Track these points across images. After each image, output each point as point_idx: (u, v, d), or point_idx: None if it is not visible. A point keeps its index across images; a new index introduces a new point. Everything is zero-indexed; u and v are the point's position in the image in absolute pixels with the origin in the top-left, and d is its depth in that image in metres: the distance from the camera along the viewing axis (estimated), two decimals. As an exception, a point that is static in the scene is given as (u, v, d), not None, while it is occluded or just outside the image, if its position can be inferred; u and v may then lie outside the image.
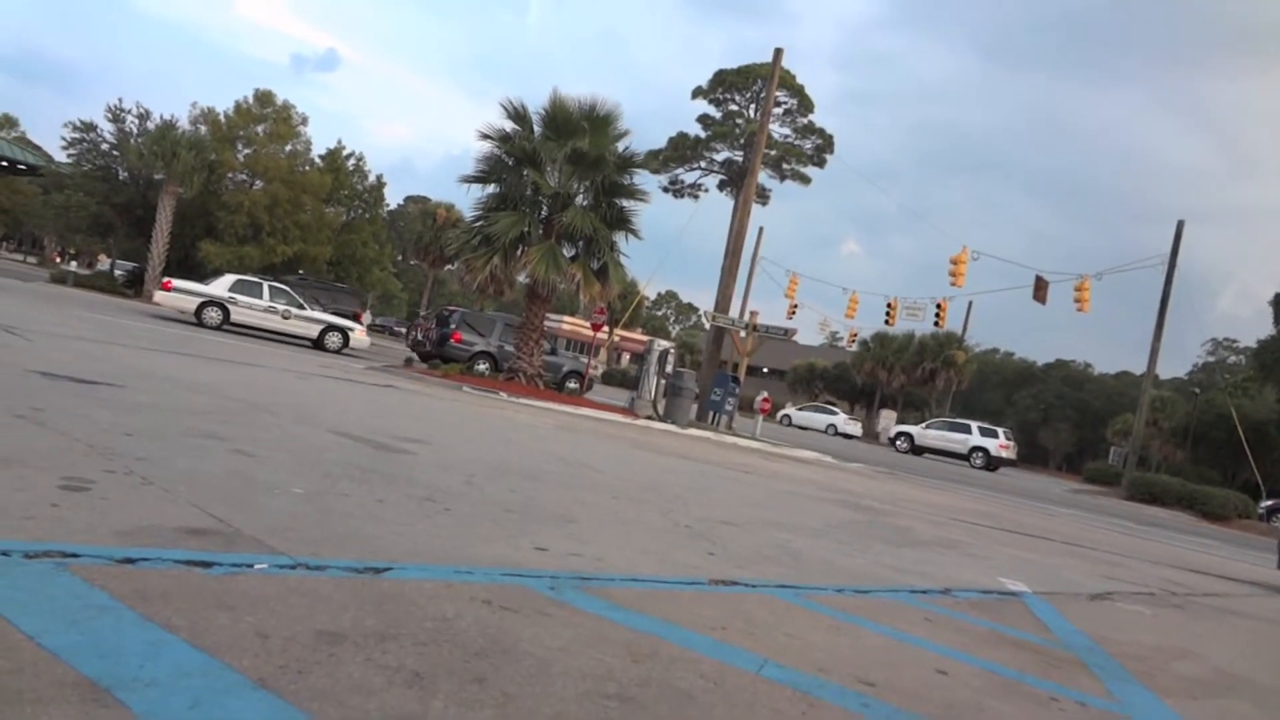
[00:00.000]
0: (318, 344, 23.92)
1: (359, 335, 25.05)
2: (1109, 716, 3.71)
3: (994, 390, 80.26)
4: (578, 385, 25.63)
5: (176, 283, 23.57)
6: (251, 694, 2.29)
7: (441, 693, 2.53)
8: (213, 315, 22.81)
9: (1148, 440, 51.02)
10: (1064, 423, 79.54)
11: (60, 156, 42.94)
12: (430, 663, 2.74)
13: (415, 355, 25.82)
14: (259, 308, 23.48)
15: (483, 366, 23.51)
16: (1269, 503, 33.84)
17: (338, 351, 23.84)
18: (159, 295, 23.42)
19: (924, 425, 41.95)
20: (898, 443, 40.97)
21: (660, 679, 3.03)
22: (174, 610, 2.74)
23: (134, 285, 38.10)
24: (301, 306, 24.15)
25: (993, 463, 37.76)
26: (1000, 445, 38.22)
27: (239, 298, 23.17)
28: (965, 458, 38.10)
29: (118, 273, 43.66)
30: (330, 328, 24.42)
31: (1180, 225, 34.66)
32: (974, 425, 39.89)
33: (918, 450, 39.70)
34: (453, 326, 24.77)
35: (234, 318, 23.07)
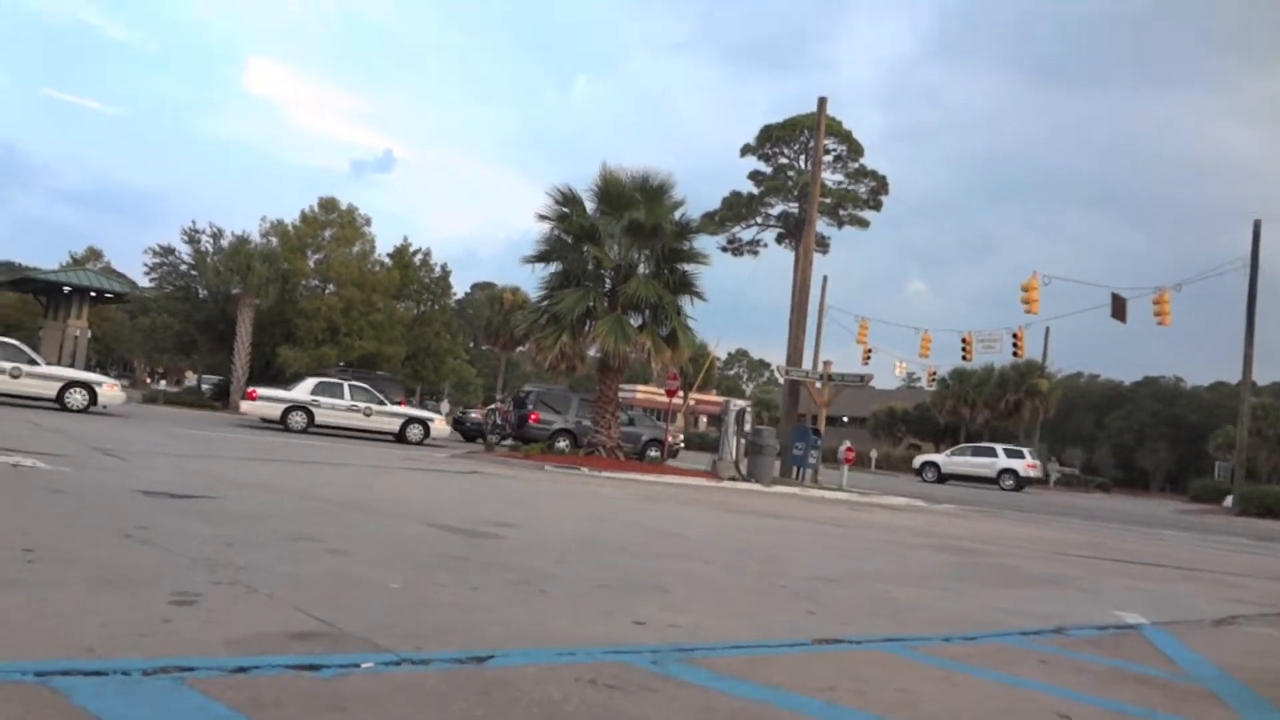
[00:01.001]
0: (399, 437, 24.37)
1: (439, 425, 25.44)
2: (1249, 749, 3.53)
3: (1082, 415, 77.90)
4: (659, 453, 25.64)
5: (261, 391, 24.32)
6: (371, 794, 2.31)
7: (556, 778, 2.52)
8: (298, 419, 23.45)
9: (1253, 451, 48.88)
10: (1160, 441, 76.71)
11: (143, 281, 44.99)
12: (541, 748, 2.74)
13: (492, 439, 26.17)
14: (341, 408, 24.09)
15: (563, 444, 23.74)
16: None
17: (419, 443, 24.24)
18: (245, 404, 24.17)
19: (949, 453, 42.31)
20: (924, 473, 40.81)
21: (773, 747, 2.97)
22: (288, 716, 2.79)
23: (221, 397, 39.39)
24: (381, 403, 24.74)
25: (1021, 483, 38.73)
26: (1028, 465, 39.65)
27: (321, 400, 23.80)
28: (994, 481, 38.79)
29: (204, 386, 45.25)
30: (411, 420, 24.92)
31: (1258, 224, 33.65)
32: (999, 448, 40.96)
33: (943, 478, 39.83)
34: (530, 407, 25.15)
35: (318, 419, 23.68)
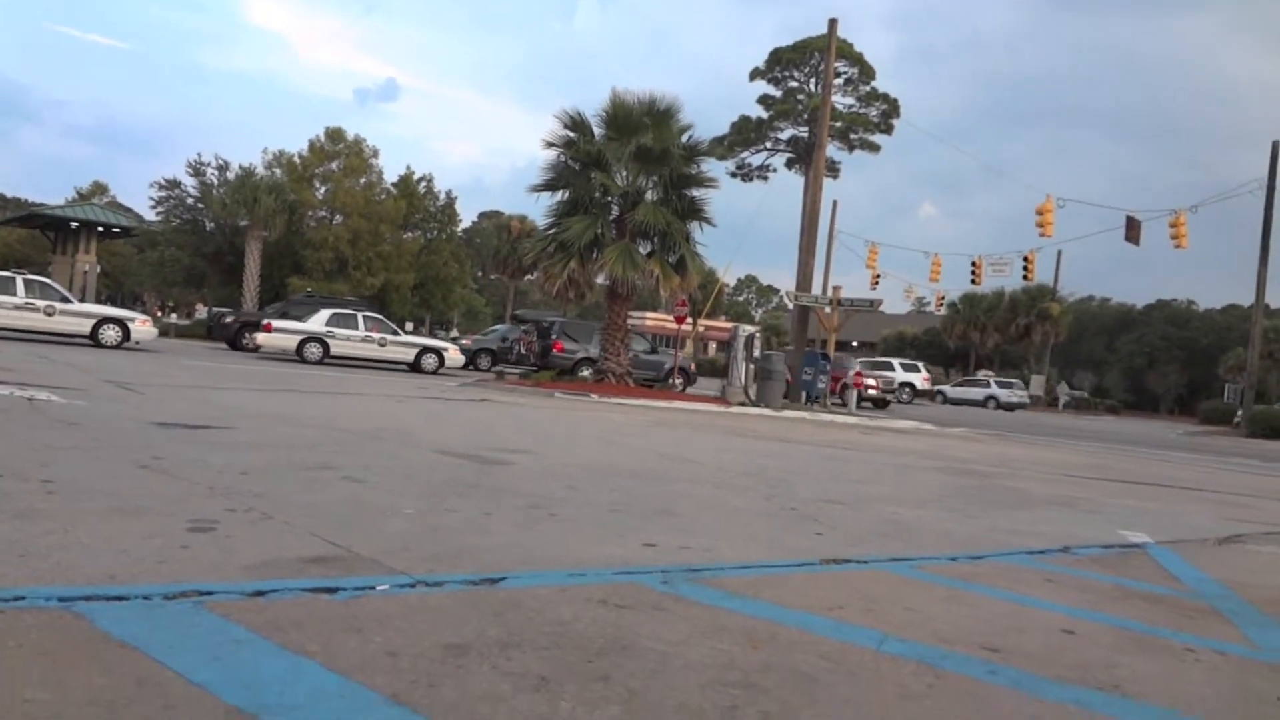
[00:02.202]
0: (414, 367, 24.56)
1: (453, 354, 25.60)
2: (1251, 664, 3.58)
3: (1094, 339, 77.56)
4: (683, 381, 25.86)
5: (277, 323, 24.49)
6: (388, 710, 2.37)
7: (568, 694, 2.58)
8: (313, 351, 23.66)
9: (1264, 373, 48.79)
10: (1171, 364, 76.41)
11: (149, 215, 44.88)
12: (554, 666, 2.80)
13: (508, 368, 26.37)
14: (356, 339, 24.30)
15: (586, 372, 24.10)
16: None
17: (434, 372, 24.41)
18: (261, 337, 24.35)
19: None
20: (935, 398, 47.29)
21: (782, 663, 3.04)
22: (306, 637, 2.86)
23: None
24: (395, 333, 24.94)
25: (919, 394, 44.78)
26: (923, 378, 45.95)
27: (336, 331, 24.01)
28: (982, 405, 45.50)
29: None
30: (425, 350, 25.11)
31: (1276, 145, 33.08)
32: (895, 362, 46.50)
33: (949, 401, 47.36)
34: (554, 337, 25.39)
35: (334, 351, 23.90)
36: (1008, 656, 3.35)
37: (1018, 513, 7.41)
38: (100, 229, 43.04)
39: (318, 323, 24.11)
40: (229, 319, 31.87)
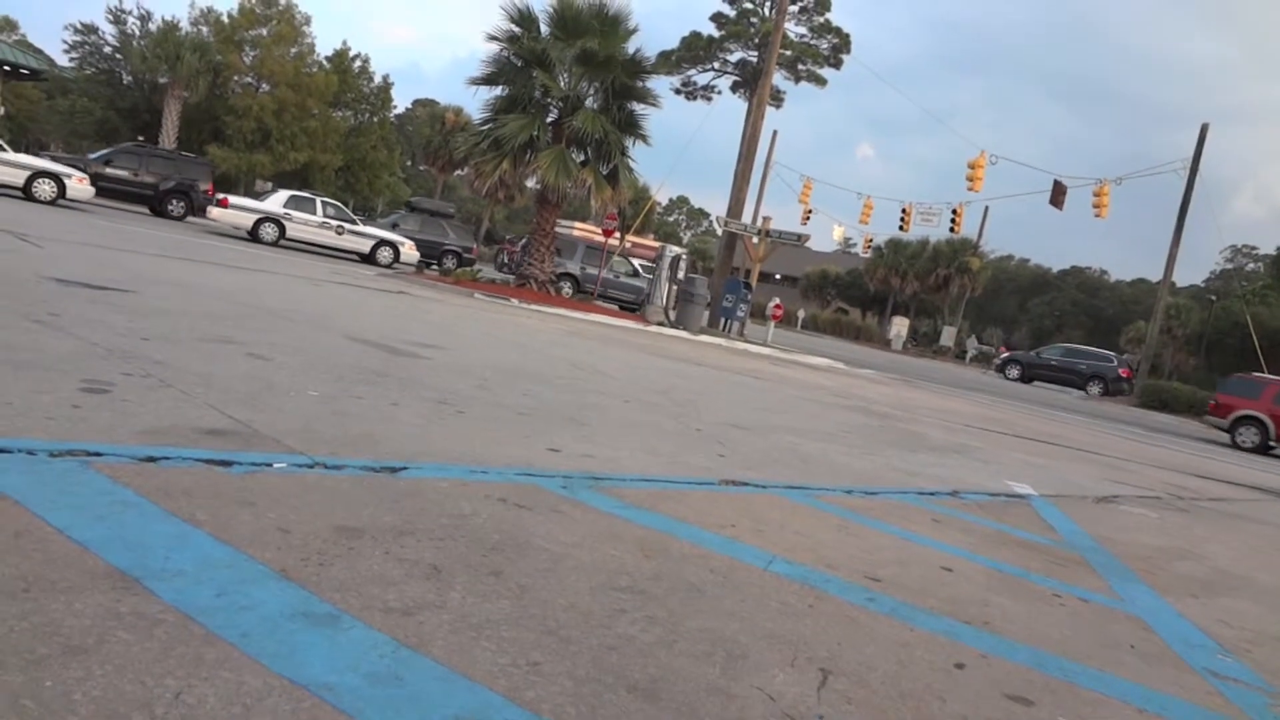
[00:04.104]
0: (369, 259, 24.13)
1: (408, 250, 25.14)
2: (1110, 612, 3.80)
3: (1008, 297, 79.86)
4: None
5: (233, 199, 23.78)
6: (275, 584, 2.36)
7: (459, 584, 2.60)
8: (269, 231, 23.05)
9: (1161, 348, 50.79)
10: (1077, 330, 79.14)
11: (62, 60, 42.40)
12: (447, 556, 2.82)
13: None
14: (313, 224, 23.78)
15: (566, 287, 24.46)
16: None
17: (389, 266, 24.03)
18: (215, 211, 23.52)
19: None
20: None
21: (671, 573, 3.11)
22: (197, 506, 2.81)
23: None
24: (354, 222, 24.47)
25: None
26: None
27: (294, 214, 23.46)
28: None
29: None
30: (382, 242, 24.70)
31: (1204, 128, 33.90)
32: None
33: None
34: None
35: (289, 234, 23.34)
36: (887, 586, 3.49)
37: (914, 455, 7.65)
38: (6, 68, 40.47)
39: (275, 203, 23.47)
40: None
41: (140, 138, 33.09)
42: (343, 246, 24.23)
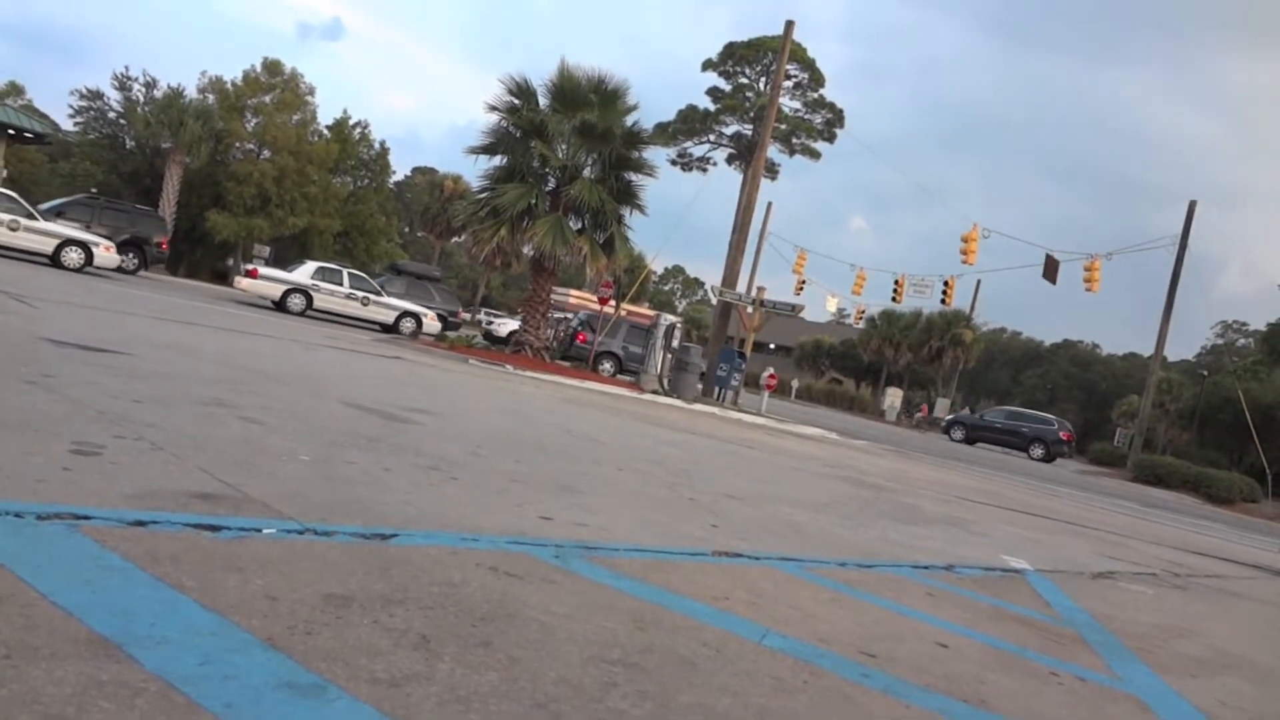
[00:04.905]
0: (391, 329, 24.31)
1: (430, 321, 25.31)
2: (1108, 691, 3.74)
3: (1001, 369, 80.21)
4: (613, 366, 26.17)
5: (263, 270, 24.19)
6: (261, 653, 2.32)
7: (448, 655, 2.56)
8: (296, 302, 23.27)
9: (1154, 422, 50.96)
10: (1070, 403, 79.42)
11: (67, 125, 42.96)
12: (436, 626, 2.78)
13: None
14: (340, 294, 24.22)
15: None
16: None
17: (412, 335, 24.21)
18: (245, 282, 23.84)
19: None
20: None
21: (664, 646, 3.06)
22: (184, 572, 2.78)
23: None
24: (377, 293, 24.77)
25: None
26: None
27: (321, 284, 23.80)
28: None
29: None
30: (405, 314, 24.94)
31: (1192, 206, 34.46)
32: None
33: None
34: (578, 328, 26.44)
35: (316, 304, 23.64)
36: (882, 662, 3.43)
37: (909, 527, 7.60)
38: (11, 131, 40.96)
39: (303, 274, 23.86)
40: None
41: (93, 190, 32.98)
42: (367, 317, 24.56)
